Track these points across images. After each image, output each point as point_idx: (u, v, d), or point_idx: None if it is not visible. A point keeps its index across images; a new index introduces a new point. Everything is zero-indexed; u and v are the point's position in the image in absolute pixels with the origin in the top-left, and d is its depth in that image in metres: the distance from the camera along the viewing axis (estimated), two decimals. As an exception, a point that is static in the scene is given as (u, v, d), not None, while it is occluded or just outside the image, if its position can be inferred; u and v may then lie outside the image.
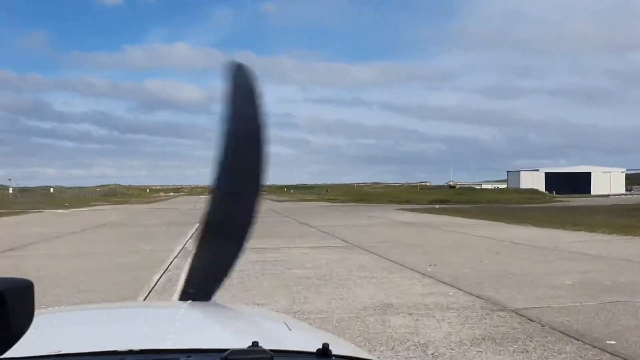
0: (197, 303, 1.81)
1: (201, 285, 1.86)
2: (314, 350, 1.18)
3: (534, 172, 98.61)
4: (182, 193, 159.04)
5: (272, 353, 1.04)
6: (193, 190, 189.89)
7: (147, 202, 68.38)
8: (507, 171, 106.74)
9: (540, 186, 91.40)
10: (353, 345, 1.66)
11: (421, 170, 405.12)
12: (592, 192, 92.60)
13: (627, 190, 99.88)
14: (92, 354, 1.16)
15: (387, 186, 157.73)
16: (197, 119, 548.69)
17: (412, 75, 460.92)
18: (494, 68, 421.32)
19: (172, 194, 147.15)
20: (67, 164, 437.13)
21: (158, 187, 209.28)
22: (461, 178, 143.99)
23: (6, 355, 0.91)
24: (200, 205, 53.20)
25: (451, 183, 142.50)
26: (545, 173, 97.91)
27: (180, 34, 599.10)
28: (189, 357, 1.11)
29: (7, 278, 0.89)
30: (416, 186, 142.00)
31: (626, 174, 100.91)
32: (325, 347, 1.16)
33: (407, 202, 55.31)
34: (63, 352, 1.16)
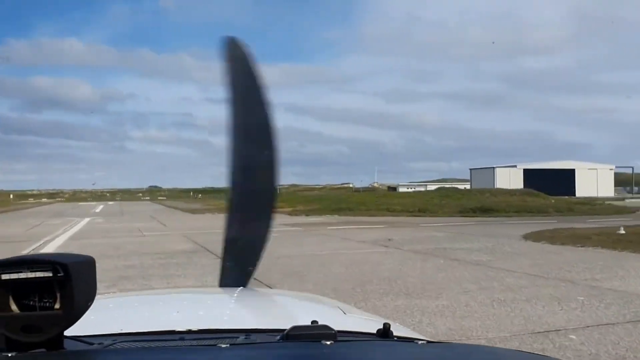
0: (248, 289, 1.91)
1: (238, 272, 1.89)
2: (373, 331, 1.17)
3: (511, 168, 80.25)
4: (60, 199, 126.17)
5: (335, 330, 1.02)
6: (75, 196, 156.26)
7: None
8: (471, 169, 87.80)
9: (519, 185, 73.19)
10: (410, 329, 1.55)
11: (325, 173, 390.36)
12: (577, 193, 75.62)
13: (628, 191, 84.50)
14: (152, 333, 1.16)
15: (312, 188, 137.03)
16: (90, 119, 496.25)
17: (315, 78, 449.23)
18: (394, 72, 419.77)
19: (44, 200, 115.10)
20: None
21: (35, 192, 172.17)
22: (366, 181, 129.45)
23: (70, 333, 0.91)
24: (50, 224, 27.64)
25: (375, 184, 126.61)
26: (524, 170, 79.70)
27: (72, 29, 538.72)
28: (249, 336, 1.10)
29: (70, 254, 0.91)
30: (348, 188, 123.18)
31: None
32: (387, 327, 1.14)
33: (425, 212, 32.63)
34: (124, 331, 1.17)
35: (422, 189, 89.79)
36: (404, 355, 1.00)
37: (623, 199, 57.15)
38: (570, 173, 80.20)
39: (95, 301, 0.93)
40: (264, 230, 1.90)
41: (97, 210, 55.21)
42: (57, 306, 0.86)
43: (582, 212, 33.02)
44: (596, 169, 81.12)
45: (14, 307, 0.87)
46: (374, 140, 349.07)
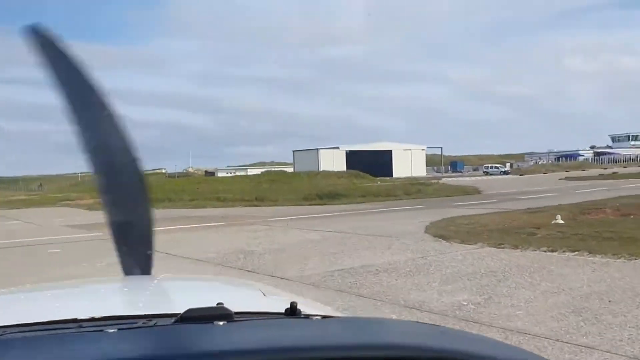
0: (166, 276, 1.84)
1: (136, 257, 1.80)
2: (282, 310, 1.17)
3: (334, 150, 78.66)
4: None
5: (232, 311, 1.01)
6: None
7: None
8: (294, 150, 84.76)
9: (341, 166, 72.09)
10: (322, 304, 1.54)
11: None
12: (394, 173, 76.88)
13: (437, 171, 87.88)
14: (52, 322, 1.13)
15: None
16: None
17: (120, 60, 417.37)
18: (205, 55, 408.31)
19: None
20: None
21: None
22: (180, 166, 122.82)
23: None
24: None
25: (191, 169, 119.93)
26: (347, 151, 78.67)
27: None
28: (149, 320, 1.09)
29: None
30: (161, 174, 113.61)
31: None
32: (294, 306, 1.14)
33: (263, 201, 27.19)
34: (22, 322, 1.15)
35: (243, 173, 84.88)
36: (291, 332, 0.98)
37: (441, 178, 58.45)
38: (388, 154, 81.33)
39: None
40: (144, 209, 1.78)
41: None
42: None
43: (429, 194, 30.46)
44: (410, 149, 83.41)
45: None
46: (186, 124, 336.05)
